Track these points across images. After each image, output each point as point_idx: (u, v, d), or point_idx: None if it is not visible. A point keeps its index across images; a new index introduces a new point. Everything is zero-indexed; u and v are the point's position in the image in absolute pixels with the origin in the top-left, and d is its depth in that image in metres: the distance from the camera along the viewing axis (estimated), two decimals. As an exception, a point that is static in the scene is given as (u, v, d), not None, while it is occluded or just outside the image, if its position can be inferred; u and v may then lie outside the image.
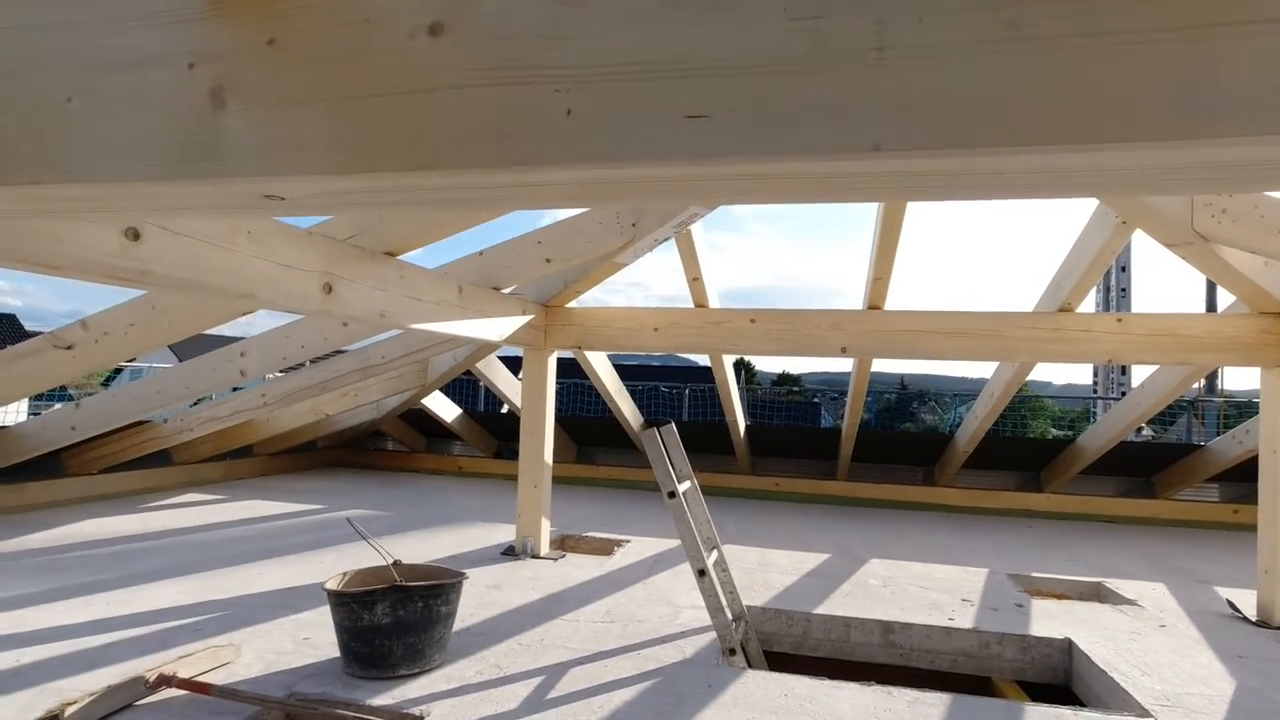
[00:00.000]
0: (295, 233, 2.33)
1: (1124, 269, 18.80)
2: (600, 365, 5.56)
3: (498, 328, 3.81)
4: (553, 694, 2.64)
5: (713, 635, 3.23)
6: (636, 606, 3.68)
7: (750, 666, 3.17)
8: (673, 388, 11.15)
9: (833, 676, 2.89)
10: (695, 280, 4.16)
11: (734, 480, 7.31)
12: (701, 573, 3.11)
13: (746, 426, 6.81)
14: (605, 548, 4.91)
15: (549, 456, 4.56)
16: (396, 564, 2.88)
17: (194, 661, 2.53)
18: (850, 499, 7.10)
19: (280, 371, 5.38)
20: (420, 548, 4.65)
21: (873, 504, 7.05)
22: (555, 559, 4.50)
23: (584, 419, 8.47)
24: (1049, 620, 3.70)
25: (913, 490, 7.04)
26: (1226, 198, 3.19)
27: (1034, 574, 4.64)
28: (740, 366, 28.67)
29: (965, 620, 3.67)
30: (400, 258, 2.92)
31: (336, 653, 2.75)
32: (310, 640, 2.99)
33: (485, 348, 5.49)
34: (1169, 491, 6.77)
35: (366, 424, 7.61)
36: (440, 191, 0.86)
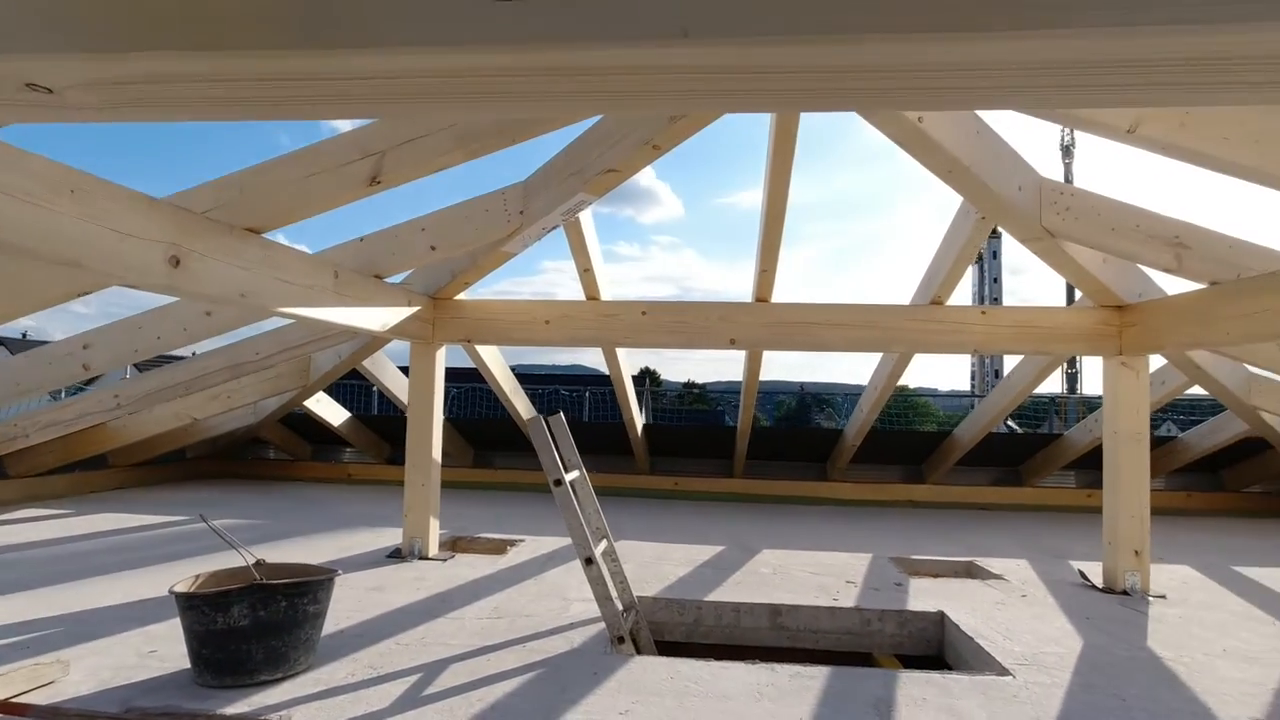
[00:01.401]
0: (135, 196, 2.13)
1: (996, 280, 20.52)
2: (492, 360, 5.43)
3: (380, 317, 3.64)
4: (430, 690, 2.51)
5: (602, 626, 3.18)
6: (527, 602, 3.59)
7: (640, 654, 3.15)
8: (573, 391, 11.10)
9: (723, 660, 2.91)
10: (586, 272, 4.14)
11: (634, 480, 7.32)
12: (589, 560, 3.06)
13: (644, 426, 6.84)
14: (498, 547, 4.78)
15: (437, 454, 4.39)
16: (259, 564, 2.67)
17: (7, 681, 2.23)
18: (748, 495, 7.26)
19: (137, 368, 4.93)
20: (297, 555, 4.35)
21: (769, 499, 7.24)
22: (444, 559, 4.33)
23: (480, 421, 8.26)
24: (925, 596, 3.89)
25: (807, 485, 7.28)
26: (1069, 196, 3.48)
27: (914, 556, 4.88)
28: (645, 375, 28.96)
29: (849, 600, 3.80)
30: (266, 235, 2.73)
31: (188, 664, 2.51)
32: (158, 653, 2.72)
33: (373, 344, 5.24)
34: (1034, 479, 7.33)
35: (243, 430, 7.09)
36: (235, 86, 0.78)
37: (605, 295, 4.36)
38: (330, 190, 2.60)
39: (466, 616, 3.32)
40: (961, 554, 4.99)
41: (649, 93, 0.76)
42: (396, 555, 4.35)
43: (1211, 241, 3.37)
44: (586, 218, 3.93)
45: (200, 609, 2.36)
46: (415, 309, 4.02)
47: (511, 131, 2.63)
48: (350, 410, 7.35)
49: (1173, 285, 3.88)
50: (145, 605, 3.31)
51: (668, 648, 3.64)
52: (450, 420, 7.57)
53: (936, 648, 3.64)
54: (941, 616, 3.62)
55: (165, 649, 2.75)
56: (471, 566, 4.24)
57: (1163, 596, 3.98)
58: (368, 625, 3.14)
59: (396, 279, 4.04)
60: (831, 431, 7.45)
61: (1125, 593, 4.03)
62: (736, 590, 3.92)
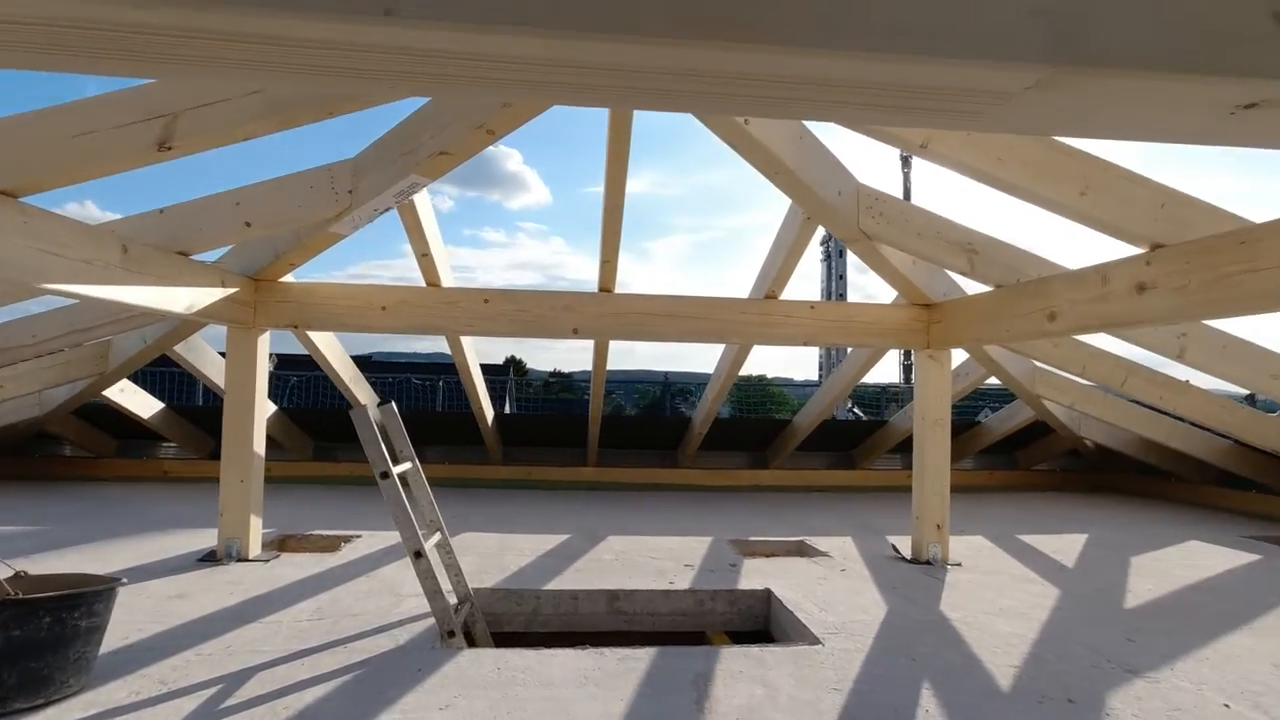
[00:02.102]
0: None
1: (842, 276, 22.08)
2: (328, 347, 5.10)
3: (185, 298, 3.30)
4: (229, 703, 2.33)
5: (434, 621, 3.10)
6: (354, 600, 3.42)
7: (475, 647, 3.10)
8: (425, 380, 10.67)
9: (558, 648, 2.92)
10: (424, 256, 3.98)
11: (486, 471, 7.19)
12: (418, 554, 2.97)
13: (496, 415, 6.73)
14: (331, 545, 4.52)
15: (260, 448, 4.07)
16: (19, 575, 2.35)
17: None
18: (601, 484, 7.34)
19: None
20: (85, 564, 3.87)
21: (622, 487, 7.36)
22: (267, 560, 4.03)
23: (321, 411, 7.77)
24: (756, 575, 4.11)
25: (658, 472, 7.48)
26: (883, 202, 3.78)
27: (751, 538, 5.15)
28: (510, 364, 28.52)
29: (684, 583, 3.94)
30: (25, 200, 2.38)
31: (-79, 695, 2.16)
32: (-115, 685, 2.32)
33: (184, 328, 4.75)
34: (865, 462, 7.96)
35: (25, 423, 6.16)
36: None
37: (447, 281, 4.22)
38: (109, 153, 2.30)
39: (284, 620, 3.11)
40: (795, 534, 5.32)
41: (355, 68, 0.73)
42: (210, 558, 3.99)
43: (998, 249, 3.79)
44: (423, 200, 3.77)
45: (-66, 631, 2.03)
46: (231, 291, 3.69)
47: (329, 104, 2.47)
48: (167, 400, 6.64)
49: (976, 288, 4.33)
50: (-124, 630, 2.81)
51: (506, 638, 3.61)
52: (286, 411, 7.06)
53: (763, 622, 3.86)
54: (768, 593, 3.84)
55: (-105, 680, 2.35)
56: (298, 566, 3.98)
57: (959, 564, 4.46)
58: (164, 637, 2.86)
59: (209, 257, 3.69)
60: (681, 419, 7.70)
61: (929, 562, 4.46)
62: (578, 578, 3.95)
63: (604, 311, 4.14)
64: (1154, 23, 0.72)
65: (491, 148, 3.06)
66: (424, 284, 4.21)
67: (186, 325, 4.69)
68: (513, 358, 30.08)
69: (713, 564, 4.36)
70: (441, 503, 3.60)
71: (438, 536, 3.36)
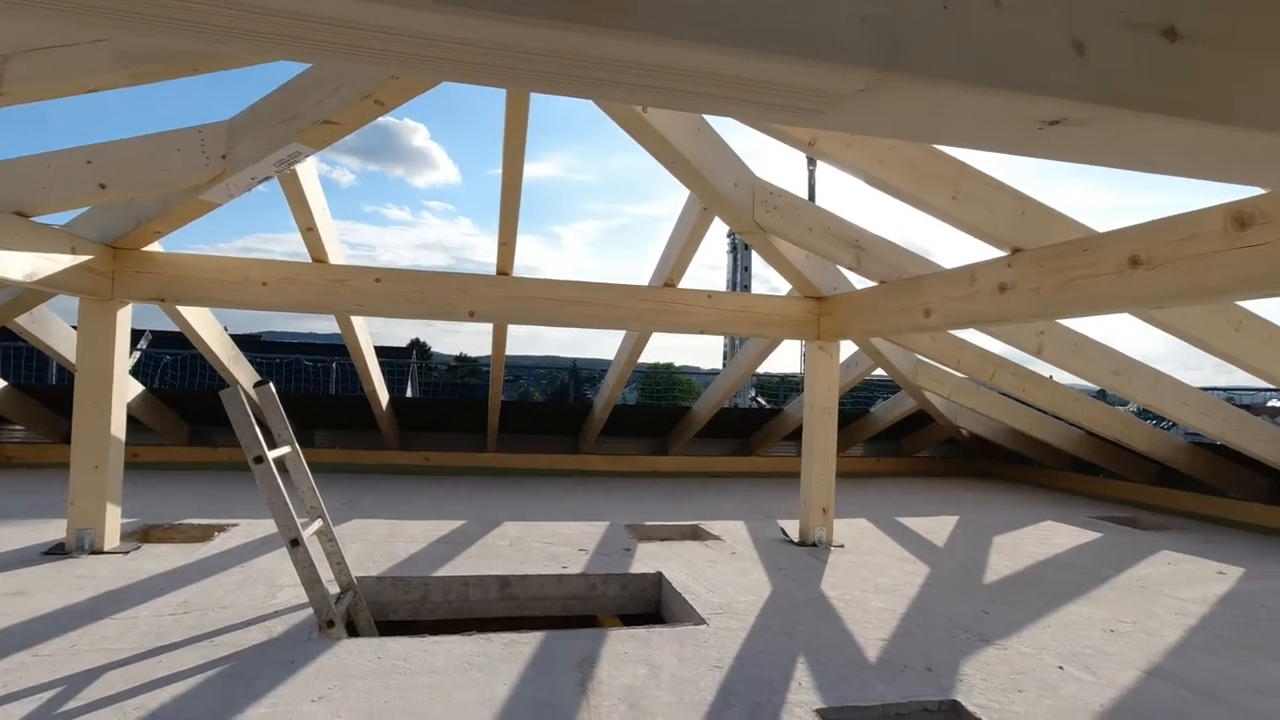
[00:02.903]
0: None
1: (747, 269, 22.63)
2: (203, 324, 4.75)
3: (25, 265, 2.98)
4: (70, 705, 2.15)
5: (312, 612, 2.97)
6: (225, 592, 3.23)
7: (357, 638, 2.99)
8: (317, 361, 10.11)
9: (444, 635, 2.86)
10: (310, 231, 3.76)
11: (381, 456, 6.94)
12: (294, 542, 2.83)
13: (391, 399, 6.50)
14: (203, 534, 4.23)
15: (119, 431, 3.75)
16: None
17: None
18: (501, 469, 7.25)
19: None
20: (-93, 558, 3.47)
21: (522, 473, 7.29)
22: (126, 552, 3.73)
23: (198, 393, 7.24)
24: (649, 559, 4.18)
25: (559, 458, 7.45)
26: (776, 197, 3.90)
27: (647, 523, 5.22)
28: (414, 347, 27.63)
29: (578, 567, 3.95)
30: None
31: None
32: None
33: (28, 299, 4.29)
34: (761, 449, 8.22)
35: None
36: None
37: (336, 258, 4.02)
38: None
39: (140, 616, 2.90)
40: (690, 519, 5.44)
41: (208, 25, 0.69)
42: (58, 552, 3.65)
43: (882, 246, 3.98)
44: (308, 171, 3.57)
45: None
46: (84, 259, 3.36)
47: (191, 60, 2.28)
48: (11, 378, 5.99)
49: (864, 284, 4.53)
50: None
51: (392, 628, 3.51)
52: (156, 392, 6.54)
53: (655, 605, 3.93)
54: (660, 576, 3.91)
55: None
56: (162, 558, 3.71)
57: (842, 546, 4.69)
58: (-4, 638, 2.60)
59: (57, 221, 3.35)
60: (582, 405, 7.69)
61: (815, 544, 4.67)
62: (469, 564, 3.89)
63: (501, 295, 4.06)
64: (964, 39, 0.77)
65: (395, 120, 2.95)
66: (310, 260, 3.99)
67: (30, 295, 4.24)
68: (417, 340, 29.11)
69: (607, 549, 4.39)
70: (333, 489, 3.46)
71: (318, 524, 3.22)
